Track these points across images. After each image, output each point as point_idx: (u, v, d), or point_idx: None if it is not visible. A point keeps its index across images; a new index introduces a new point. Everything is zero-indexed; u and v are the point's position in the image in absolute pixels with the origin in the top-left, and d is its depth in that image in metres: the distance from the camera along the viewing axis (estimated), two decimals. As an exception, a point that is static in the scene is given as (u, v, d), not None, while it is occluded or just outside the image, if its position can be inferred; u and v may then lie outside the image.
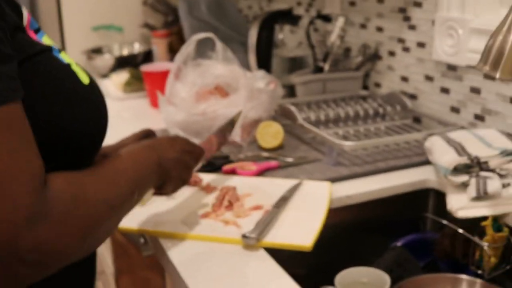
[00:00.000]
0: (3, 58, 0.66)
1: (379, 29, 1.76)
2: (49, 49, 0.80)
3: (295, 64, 2.00)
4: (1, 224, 0.61)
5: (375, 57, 1.79)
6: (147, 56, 2.49)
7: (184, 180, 1.04)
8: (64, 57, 0.83)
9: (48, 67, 0.76)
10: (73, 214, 0.69)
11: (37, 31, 0.82)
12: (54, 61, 0.79)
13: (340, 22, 1.79)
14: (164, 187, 0.99)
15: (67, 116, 0.77)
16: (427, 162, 1.36)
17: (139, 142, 0.99)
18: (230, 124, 1.30)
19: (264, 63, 1.91)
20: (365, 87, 1.85)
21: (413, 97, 1.65)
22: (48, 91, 0.75)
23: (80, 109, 0.78)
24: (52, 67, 0.77)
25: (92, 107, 0.81)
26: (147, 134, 1.19)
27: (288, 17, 1.98)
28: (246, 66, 1.80)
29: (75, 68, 0.83)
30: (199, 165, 1.11)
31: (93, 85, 0.84)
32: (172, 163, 0.98)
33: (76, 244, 0.69)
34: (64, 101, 0.76)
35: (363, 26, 1.83)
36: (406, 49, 1.66)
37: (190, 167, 1.05)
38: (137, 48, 2.60)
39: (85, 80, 0.82)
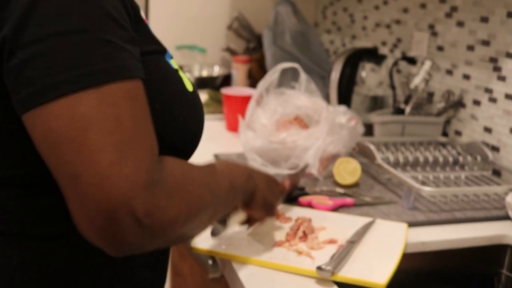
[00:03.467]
0: (132, 40, 0.71)
1: (466, 77, 1.74)
2: (163, 52, 0.84)
3: (374, 103, 2.00)
4: (123, 181, 0.63)
5: (459, 104, 1.76)
6: (226, 80, 2.52)
7: (270, 203, 1.07)
8: (174, 64, 0.87)
9: (158, 67, 0.81)
10: (183, 188, 0.72)
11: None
12: (165, 63, 0.83)
13: (427, 65, 1.77)
14: (252, 204, 1.01)
15: (167, 114, 0.80)
16: (506, 217, 1.33)
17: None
18: (301, 172, 1.33)
19: (344, 99, 1.91)
20: (445, 133, 1.82)
21: (494, 149, 1.61)
22: (154, 87, 0.77)
23: (180, 111, 0.82)
24: (162, 67, 0.82)
25: (192, 113, 0.85)
26: None
27: (373, 55, 1.98)
28: (325, 99, 1.80)
29: (181, 74, 0.87)
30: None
31: (195, 93, 0.88)
32: (261, 182, 1.01)
33: (184, 217, 0.71)
34: (167, 101, 0.80)
35: (449, 72, 1.81)
36: (492, 100, 1.63)
37: (275, 194, 1.08)
38: (217, 70, 2.64)
39: (189, 87, 0.86)
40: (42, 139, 0.66)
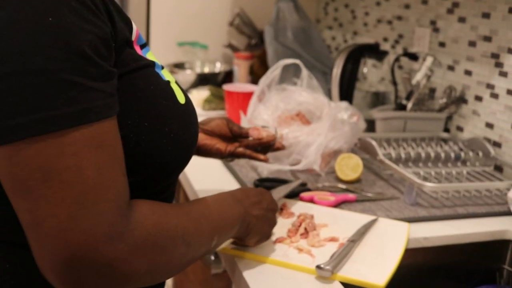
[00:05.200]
0: (105, 75, 0.67)
1: (468, 73, 1.73)
2: (152, 64, 0.81)
3: (376, 99, 1.99)
4: (82, 234, 0.63)
5: (461, 100, 1.76)
6: (228, 76, 2.52)
7: (266, 236, 1.07)
8: (165, 74, 0.84)
9: (147, 83, 0.77)
10: (151, 241, 0.70)
11: (143, 46, 0.84)
12: (154, 77, 0.80)
13: (428, 61, 1.77)
14: (246, 240, 1.02)
15: (157, 132, 0.77)
16: (508, 213, 1.33)
17: (227, 191, 0.99)
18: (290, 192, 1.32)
19: (346, 95, 1.90)
20: (446, 129, 1.82)
21: (496, 144, 1.61)
22: (142, 105, 0.76)
23: (171, 127, 0.79)
24: (151, 83, 0.78)
25: (183, 127, 0.82)
26: (228, 122, 1.23)
27: (374, 51, 1.97)
28: (326, 96, 1.80)
29: (173, 86, 0.84)
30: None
31: (188, 105, 0.85)
32: (256, 220, 1.00)
33: (146, 270, 0.71)
34: (156, 118, 0.77)
35: (451, 68, 1.81)
36: (494, 95, 1.62)
37: (273, 224, 1.07)
38: (219, 67, 2.64)
39: (181, 99, 0.83)
40: (3, 179, 0.65)
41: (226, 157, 1.23)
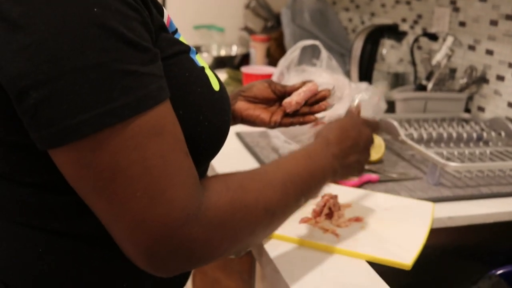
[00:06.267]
0: (153, 58, 0.67)
1: (489, 52, 1.72)
2: (187, 50, 0.80)
3: (395, 80, 1.98)
4: (157, 223, 0.64)
5: (482, 80, 1.74)
6: (244, 59, 2.51)
7: (365, 159, 1.02)
8: (199, 60, 0.83)
9: (182, 70, 0.76)
10: (228, 219, 0.70)
11: (174, 32, 0.82)
12: (189, 63, 0.79)
13: (449, 41, 1.75)
14: (339, 178, 0.98)
15: (191, 120, 0.76)
16: (532, 192, 1.32)
17: (314, 139, 0.95)
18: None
19: (365, 76, 1.90)
20: (467, 110, 1.81)
21: (519, 124, 1.60)
22: (177, 93, 0.74)
23: (205, 115, 0.78)
24: (186, 69, 0.77)
25: (217, 114, 0.80)
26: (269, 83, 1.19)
27: (394, 32, 1.96)
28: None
29: (208, 72, 0.82)
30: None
31: (222, 92, 0.84)
32: (348, 168, 0.96)
33: (229, 245, 0.71)
34: (191, 106, 0.76)
35: (471, 47, 1.79)
36: (516, 75, 1.61)
37: (368, 146, 1.02)
38: (235, 50, 2.63)
39: (216, 86, 0.82)
40: (73, 181, 0.66)
41: (273, 127, 1.19)
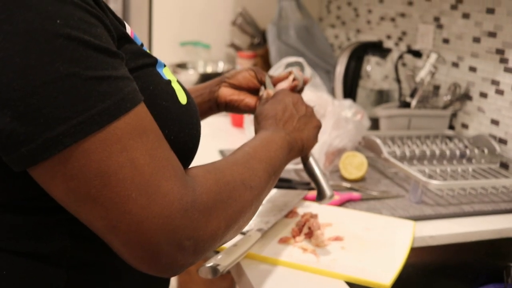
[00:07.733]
0: (122, 62, 0.67)
1: (472, 69, 1.72)
2: (153, 63, 0.79)
3: (379, 97, 1.98)
4: (157, 219, 0.64)
5: (465, 97, 1.74)
6: (231, 76, 2.50)
7: (317, 127, 1.07)
8: (166, 73, 0.82)
9: (146, 83, 0.75)
10: (219, 199, 0.72)
11: (141, 46, 0.82)
12: (154, 76, 0.78)
13: (432, 58, 1.76)
14: (308, 152, 1.04)
15: None
16: (515, 211, 1.32)
17: (261, 130, 0.99)
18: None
19: (349, 93, 1.89)
20: (451, 127, 1.81)
21: (502, 141, 1.60)
22: None
23: (171, 129, 0.77)
24: (150, 83, 0.76)
25: (184, 128, 0.80)
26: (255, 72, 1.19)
27: (378, 49, 1.96)
28: (330, 94, 1.79)
29: (175, 85, 0.81)
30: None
31: (189, 106, 0.83)
32: (299, 132, 1.01)
33: (226, 225, 0.72)
34: (156, 119, 0.74)
35: (455, 64, 1.80)
36: (499, 92, 1.61)
37: (315, 121, 1.07)
38: (221, 66, 2.63)
39: (182, 99, 0.81)
40: (62, 196, 0.64)
41: None
